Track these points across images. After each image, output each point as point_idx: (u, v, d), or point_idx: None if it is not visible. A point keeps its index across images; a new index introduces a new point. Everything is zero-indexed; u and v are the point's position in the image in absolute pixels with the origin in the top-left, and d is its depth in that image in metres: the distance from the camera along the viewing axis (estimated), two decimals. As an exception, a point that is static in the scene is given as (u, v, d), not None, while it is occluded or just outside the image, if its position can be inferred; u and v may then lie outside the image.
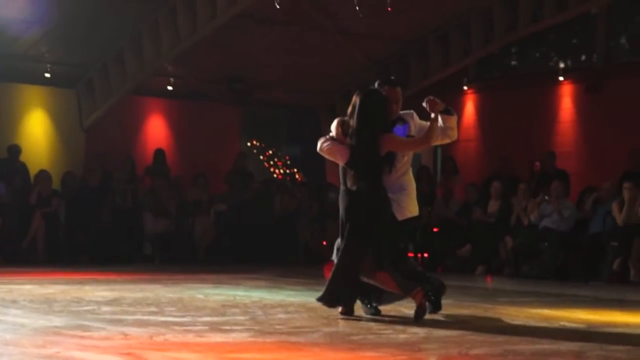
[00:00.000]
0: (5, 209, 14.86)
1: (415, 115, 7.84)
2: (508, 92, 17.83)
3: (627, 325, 7.53)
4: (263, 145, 19.69)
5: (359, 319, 7.36)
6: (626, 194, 13.30)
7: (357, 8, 12.60)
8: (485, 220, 15.10)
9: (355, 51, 17.38)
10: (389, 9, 12.72)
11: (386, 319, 7.39)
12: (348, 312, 7.49)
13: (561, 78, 17.15)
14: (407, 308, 8.10)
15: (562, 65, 17.35)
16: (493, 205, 15.14)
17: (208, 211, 16.58)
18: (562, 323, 7.50)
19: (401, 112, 7.77)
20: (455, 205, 16.05)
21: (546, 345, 6.03)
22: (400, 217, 7.47)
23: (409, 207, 7.57)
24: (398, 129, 7.55)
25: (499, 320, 7.58)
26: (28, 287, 9.84)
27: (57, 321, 6.72)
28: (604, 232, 13.60)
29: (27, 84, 16.64)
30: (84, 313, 7.33)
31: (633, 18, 16.52)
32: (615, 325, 7.47)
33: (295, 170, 19.62)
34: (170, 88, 17.53)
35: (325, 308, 7.71)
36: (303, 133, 19.66)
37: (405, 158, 7.70)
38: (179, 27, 15.37)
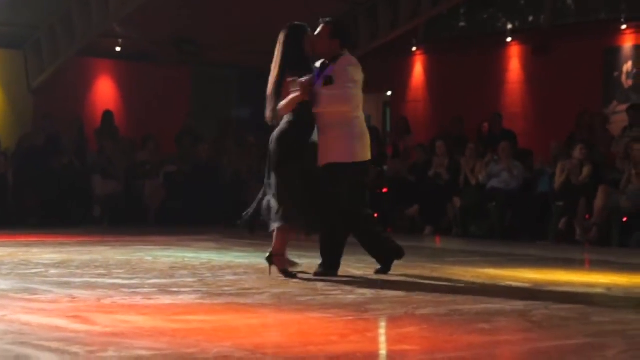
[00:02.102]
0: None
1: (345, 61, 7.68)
2: (456, 53, 17.86)
3: (571, 284, 7.62)
4: (213, 106, 19.57)
5: (309, 279, 7.37)
6: (576, 155, 13.42)
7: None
8: (435, 181, 15.15)
9: (303, 12, 17.25)
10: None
11: (335, 279, 7.39)
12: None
13: (509, 39, 17.22)
14: (355, 269, 8.15)
15: (509, 26, 17.42)
16: (438, 165, 15.20)
17: (157, 173, 16.48)
18: (508, 282, 7.57)
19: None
20: (406, 165, 16.10)
21: (492, 305, 6.08)
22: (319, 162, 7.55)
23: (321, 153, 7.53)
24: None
25: (446, 280, 7.64)
26: (-25, 250, 9.74)
27: (3, 284, 6.66)
28: (551, 192, 13.73)
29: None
30: (31, 276, 7.27)
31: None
32: (559, 284, 7.56)
33: (246, 131, 19.52)
34: (118, 49, 17.35)
35: (273, 269, 7.67)
36: (253, 94, 19.54)
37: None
38: (127, -14, 15.20)
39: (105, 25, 15.98)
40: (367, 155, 7.68)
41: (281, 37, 7.82)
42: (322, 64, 7.73)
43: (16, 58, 16.82)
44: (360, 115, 7.80)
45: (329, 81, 7.55)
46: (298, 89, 7.39)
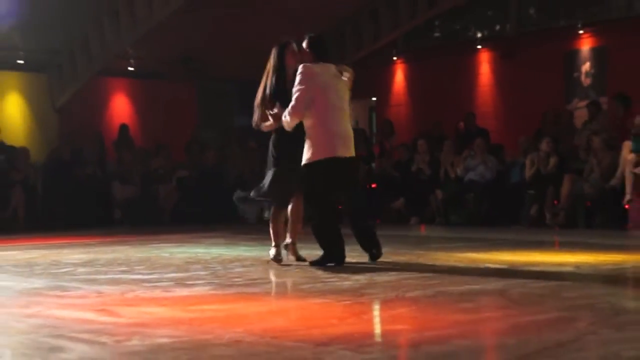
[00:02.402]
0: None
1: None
2: (433, 60, 17.87)
3: (544, 263, 7.61)
4: (217, 117, 19.56)
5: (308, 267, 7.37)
6: (543, 148, 13.43)
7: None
8: (418, 176, 15.15)
9: (294, 29, 17.25)
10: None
11: (331, 268, 7.39)
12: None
13: (479, 47, 17.24)
14: (350, 257, 8.13)
15: (479, 35, 17.43)
16: (420, 161, 15.19)
17: (170, 178, 16.47)
18: (487, 265, 7.57)
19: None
20: (391, 163, 16.10)
21: (473, 285, 6.08)
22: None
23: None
24: None
25: (431, 264, 7.64)
26: (11, 252, 9.71)
27: (38, 283, 6.64)
28: (522, 182, 13.73)
29: (2, 70, 16.42)
30: (61, 275, 7.26)
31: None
32: (533, 264, 7.55)
33: (247, 137, 19.51)
34: (131, 69, 17.35)
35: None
36: (252, 104, 19.50)
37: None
38: (137, 13, 15.19)
39: (119, 47, 15.97)
40: (332, 152, 7.44)
41: (272, 52, 8.17)
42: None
43: (41, 80, 16.82)
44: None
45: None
46: (271, 120, 7.80)
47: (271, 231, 7.94)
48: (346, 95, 7.75)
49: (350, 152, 7.61)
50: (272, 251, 7.87)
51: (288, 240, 8.00)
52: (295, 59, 7.87)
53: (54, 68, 16.68)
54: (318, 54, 7.72)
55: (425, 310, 5.01)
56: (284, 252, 7.95)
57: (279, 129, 7.76)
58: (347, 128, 7.66)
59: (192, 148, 17.21)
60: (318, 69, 7.58)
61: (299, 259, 7.90)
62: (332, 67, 7.69)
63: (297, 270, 7.26)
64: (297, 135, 7.60)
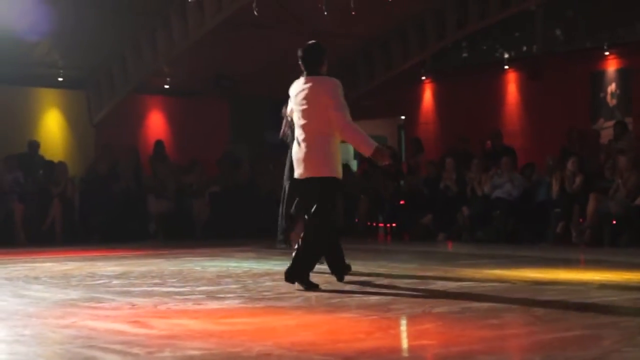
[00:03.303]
0: (27, 197, 14.80)
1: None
2: (460, 80, 17.83)
3: (569, 281, 7.54)
4: (249, 133, 19.61)
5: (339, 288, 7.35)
6: (570, 167, 13.33)
7: (323, 7, 12.57)
8: (446, 192, 15.09)
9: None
10: (353, 12, 12.70)
11: (360, 283, 7.36)
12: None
13: (506, 67, 17.18)
14: (378, 273, 8.12)
15: (506, 55, 17.36)
16: (448, 179, 15.13)
17: (203, 193, 16.52)
18: (513, 281, 7.51)
19: None
20: (420, 180, 16.05)
21: (499, 302, 6.02)
22: None
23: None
24: None
25: (458, 280, 7.58)
26: (48, 264, 9.78)
27: (73, 294, 6.68)
28: (548, 200, 13.63)
29: (43, 87, 16.60)
30: (96, 286, 7.29)
31: (565, 13, 16.52)
32: (559, 281, 7.48)
33: (279, 153, 19.55)
34: (167, 86, 17.46)
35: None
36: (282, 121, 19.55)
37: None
38: (173, 32, 15.30)
39: (155, 66, 16.07)
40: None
41: None
42: None
43: (79, 97, 16.96)
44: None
45: None
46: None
47: (293, 244, 8.24)
48: None
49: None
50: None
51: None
52: None
53: (92, 85, 16.83)
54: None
55: (452, 326, 4.97)
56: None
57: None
58: None
59: (224, 164, 17.27)
60: None
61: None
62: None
63: (325, 284, 7.24)
64: None
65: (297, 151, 7.07)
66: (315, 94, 7.01)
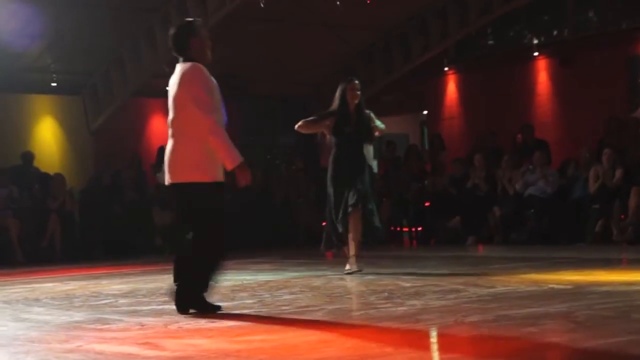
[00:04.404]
0: (23, 212, 14.89)
1: None
2: (486, 70, 17.82)
3: (611, 283, 7.52)
4: (260, 135, 19.67)
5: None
6: (605, 159, 13.30)
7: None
8: (475, 192, 15.07)
9: (338, 42, 17.35)
10: (368, 1, 12.73)
11: (385, 293, 7.38)
12: None
13: (536, 54, 17.14)
14: (403, 281, 8.13)
15: (535, 41, 17.33)
16: (476, 177, 15.11)
17: (212, 201, 16.54)
18: (550, 285, 7.49)
19: None
20: (445, 179, 16.05)
21: (536, 309, 6.02)
22: None
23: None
24: None
25: (491, 286, 7.57)
26: (49, 284, 9.84)
27: (77, 316, 6.72)
28: (586, 196, 13.59)
29: (35, 94, 16.69)
30: (102, 306, 7.33)
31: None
32: (600, 284, 7.46)
33: (292, 157, 19.60)
34: (168, 88, 17.50)
35: (327, 287, 8.04)
36: (296, 121, 19.60)
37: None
38: (173, 30, 15.36)
39: (155, 66, 16.14)
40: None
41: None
42: None
43: (75, 103, 17.05)
44: None
45: None
46: None
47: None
48: None
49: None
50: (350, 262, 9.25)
51: (351, 253, 9.27)
52: (355, 96, 9.36)
53: (88, 90, 16.91)
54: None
55: (486, 336, 4.98)
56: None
57: (338, 145, 9.32)
58: None
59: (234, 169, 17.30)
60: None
61: (358, 270, 9.14)
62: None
63: (349, 296, 7.26)
64: (355, 152, 9.25)
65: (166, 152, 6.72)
66: (176, 84, 6.64)
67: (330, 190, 9.43)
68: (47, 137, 16.85)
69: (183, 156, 6.49)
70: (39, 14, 14.30)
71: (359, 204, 9.13)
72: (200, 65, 6.55)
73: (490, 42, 18.32)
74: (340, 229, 9.29)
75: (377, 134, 9.69)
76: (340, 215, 9.23)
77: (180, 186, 6.54)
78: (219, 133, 6.43)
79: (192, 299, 6.48)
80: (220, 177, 6.56)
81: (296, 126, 9.68)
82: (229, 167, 6.49)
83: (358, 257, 9.29)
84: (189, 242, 6.58)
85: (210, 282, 6.55)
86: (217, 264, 6.56)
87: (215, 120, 6.44)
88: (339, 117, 9.43)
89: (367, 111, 9.56)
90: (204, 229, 6.48)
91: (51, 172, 15.79)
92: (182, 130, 6.49)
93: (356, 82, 9.46)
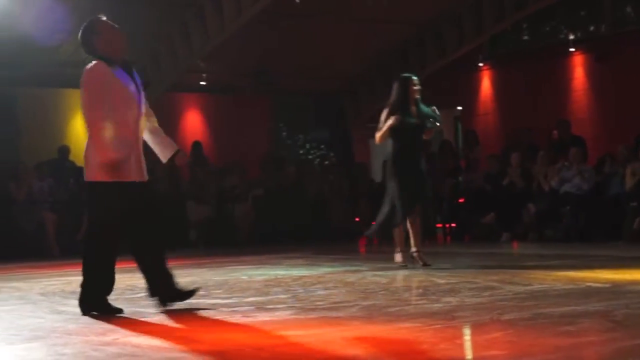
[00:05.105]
0: (59, 206, 15.01)
1: None
2: (522, 65, 17.73)
3: (649, 281, 7.46)
4: (293, 131, 19.71)
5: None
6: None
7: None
8: (510, 189, 14.99)
9: (372, 37, 17.32)
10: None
11: (420, 289, 7.36)
12: None
13: (572, 49, 17.02)
14: (438, 277, 8.11)
15: (571, 37, 17.21)
16: (513, 174, 15.03)
17: (246, 197, 16.62)
18: (588, 284, 7.44)
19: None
20: (479, 175, 16.00)
21: (574, 307, 5.98)
22: None
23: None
24: (135, 73, 6.68)
25: (527, 284, 7.52)
26: (84, 278, 9.87)
27: (113, 309, 6.74)
28: (623, 193, 13.48)
29: (71, 89, 16.75)
30: (137, 300, 7.37)
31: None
32: (638, 283, 7.40)
33: (325, 152, 19.62)
34: (203, 83, 17.59)
35: (361, 282, 8.03)
36: (329, 117, 19.66)
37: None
38: (208, 26, 15.42)
39: (190, 62, 16.21)
40: None
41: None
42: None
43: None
44: None
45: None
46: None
47: (396, 238, 9.61)
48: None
49: None
50: (399, 256, 9.54)
51: (414, 248, 9.53)
52: (416, 92, 9.70)
53: (123, 85, 17.01)
54: None
55: (523, 334, 4.95)
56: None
57: (399, 142, 9.45)
58: None
59: (268, 165, 17.35)
60: None
61: (426, 264, 9.39)
62: None
63: (382, 292, 7.25)
64: (417, 145, 9.58)
65: None
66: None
67: (392, 182, 9.52)
68: (83, 131, 16.88)
69: (86, 156, 6.54)
70: (75, 9, 14.38)
71: (423, 202, 9.77)
72: (94, 66, 6.47)
73: (526, 37, 18.22)
74: (403, 218, 9.50)
75: (425, 137, 9.94)
76: (406, 207, 9.44)
77: (86, 185, 6.60)
78: (96, 130, 6.35)
79: (90, 301, 6.52)
80: (122, 176, 6.45)
81: (377, 142, 9.78)
82: (101, 161, 6.37)
83: (420, 251, 9.58)
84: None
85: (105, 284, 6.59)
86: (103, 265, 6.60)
87: (96, 117, 6.36)
88: (402, 113, 9.54)
89: (433, 107, 9.82)
90: (93, 229, 6.53)
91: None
92: (87, 132, 6.50)
93: (415, 78, 9.76)
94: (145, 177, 6.61)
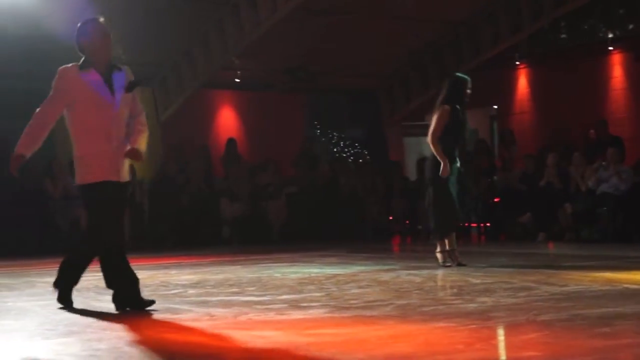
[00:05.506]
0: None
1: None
2: (559, 64, 17.60)
3: (687, 283, 7.39)
4: (327, 129, 19.71)
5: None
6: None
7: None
8: (547, 189, 14.90)
9: (407, 35, 17.28)
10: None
11: (455, 289, 7.34)
12: None
13: (610, 48, 16.89)
14: (473, 277, 8.08)
15: (610, 35, 17.07)
16: (551, 175, 14.93)
17: (280, 194, 16.65)
18: (625, 285, 7.38)
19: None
20: (515, 175, 15.92)
21: (611, 308, 5.94)
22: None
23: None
24: (117, 74, 6.69)
25: (563, 285, 7.47)
26: (118, 274, 9.94)
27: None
28: (661, 194, 13.37)
29: (105, 85, 16.89)
30: (171, 296, 7.42)
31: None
32: (676, 284, 7.34)
33: (359, 150, 19.61)
34: (237, 80, 17.63)
35: (395, 281, 8.01)
36: (364, 115, 19.65)
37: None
38: (243, 22, 15.45)
39: (224, 59, 16.25)
40: None
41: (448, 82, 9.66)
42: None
43: (145, 94, 17.22)
44: None
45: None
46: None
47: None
48: None
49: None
50: (441, 256, 9.52)
51: (448, 247, 9.54)
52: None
53: (158, 81, 17.10)
54: None
55: (559, 336, 4.92)
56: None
57: (452, 140, 9.43)
58: None
59: (302, 162, 17.37)
60: None
61: (460, 264, 9.41)
62: None
63: (417, 291, 7.24)
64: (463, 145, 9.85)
65: None
66: None
67: (448, 182, 9.45)
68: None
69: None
70: (106, 8, 14.47)
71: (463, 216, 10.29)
72: (62, 70, 6.59)
73: (564, 35, 18.07)
74: (459, 218, 9.77)
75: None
76: (458, 207, 9.61)
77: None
78: (30, 122, 6.53)
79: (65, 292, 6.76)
80: (89, 178, 6.57)
81: (431, 142, 9.52)
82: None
83: (455, 250, 9.64)
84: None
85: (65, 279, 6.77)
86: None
87: (36, 111, 6.55)
88: (456, 114, 9.52)
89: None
90: (88, 234, 6.84)
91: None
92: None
93: (469, 81, 9.74)
94: (124, 178, 6.71)
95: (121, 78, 6.70)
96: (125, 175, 6.71)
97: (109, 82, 6.61)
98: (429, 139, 9.52)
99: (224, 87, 18.04)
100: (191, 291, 7.79)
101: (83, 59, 6.61)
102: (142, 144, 6.82)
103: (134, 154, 6.69)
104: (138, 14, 14.91)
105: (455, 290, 7.23)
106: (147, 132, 6.95)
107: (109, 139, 6.57)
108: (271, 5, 15.01)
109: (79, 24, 6.72)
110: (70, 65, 6.61)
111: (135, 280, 6.63)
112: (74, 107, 6.52)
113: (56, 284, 6.85)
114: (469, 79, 9.73)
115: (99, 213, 6.59)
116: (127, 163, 6.74)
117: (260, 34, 15.42)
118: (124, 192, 6.76)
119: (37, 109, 6.57)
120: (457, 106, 9.55)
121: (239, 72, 17.44)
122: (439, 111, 9.53)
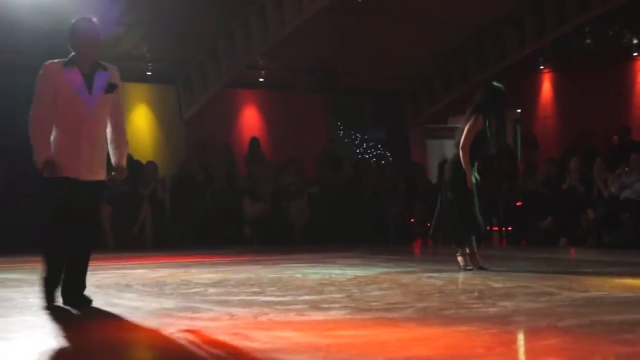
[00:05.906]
0: (115, 199, 15.14)
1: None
2: (583, 69, 17.53)
3: None
4: (350, 130, 19.70)
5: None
6: None
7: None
8: (569, 193, 14.82)
9: (432, 37, 17.25)
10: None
11: (476, 293, 7.31)
12: None
13: (635, 54, 16.81)
14: (494, 282, 8.04)
15: (635, 41, 16.97)
16: (574, 179, 14.85)
17: (302, 194, 16.65)
18: (647, 292, 7.34)
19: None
20: (538, 179, 15.84)
21: (633, 315, 5.90)
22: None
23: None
24: (99, 74, 6.74)
25: (585, 290, 7.43)
26: (140, 271, 10.01)
27: (168, 303, 6.81)
28: (684, 201, 13.27)
29: (131, 82, 16.90)
30: (192, 295, 7.42)
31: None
32: (699, 292, 7.28)
33: (382, 152, 19.58)
34: (261, 80, 17.66)
35: (416, 284, 8.02)
36: (387, 116, 19.62)
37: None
38: (268, 22, 15.48)
39: (249, 58, 16.28)
40: None
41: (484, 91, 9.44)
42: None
43: (169, 92, 17.31)
44: None
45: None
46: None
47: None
48: None
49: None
50: (462, 259, 9.46)
51: (467, 250, 9.49)
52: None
53: (182, 79, 17.15)
54: None
55: (580, 342, 4.89)
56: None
57: (480, 150, 9.34)
58: None
59: (324, 163, 17.37)
60: None
61: (481, 267, 9.35)
62: None
63: (438, 294, 7.22)
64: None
65: None
66: None
67: (471, 192, 9.33)
68: (140, 125, 17.12)
69: None
70: (134, 3, 14.53)
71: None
72: (47, 65, 6.62)
73: (588, 41, 17.98)
74: (481, 227, 9.61)
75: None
76: (479, 216, 9.47)
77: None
78: (31, 129, 6.55)
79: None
80: (65, 173, 6.53)
81: (462, 151, 9.29)
82: (35, 158, 6.53)
83: (476, 254, 9.58)
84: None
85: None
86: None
87: (32, 115, 6.54)
88: (486, 125, 9.24)
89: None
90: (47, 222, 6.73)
91: (143, 160, 16.03)
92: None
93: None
94: (96, 177, 6.68)
95: (103, 78, 6.73)
96: (95, 175, 6.67)
97: (89, 82, 6.64)
98: (460, 145, 9.28)
99: (248, 86, 18.08)
100: (212, 290, 7.79)
101: (70, 55, 6.65)
102: (125, 157, 6.86)
103: (120, 172, 6.72)
104: (164, 11, 14.96)
105: (476, 294, 7.19)
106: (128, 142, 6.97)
107: (76, 137, 6.55)
108: (297, 6, 15.03)
109: (72, 21, 6.77)
110: (56, 60, 6.64)
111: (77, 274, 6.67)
112: (55, 102, 6.55)
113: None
114: (503, 88, 9.49)
115: (51, 207, 6.62)
116: (100, 163, 6.72)
117: (285, 33, 15.45)
118: (91, 190, 6.66)
119: (32, 114, 6.54)
120: (491, 117, 9.26)
121: (263, 71, 17.47)
122: (472, 119, 9.27)
